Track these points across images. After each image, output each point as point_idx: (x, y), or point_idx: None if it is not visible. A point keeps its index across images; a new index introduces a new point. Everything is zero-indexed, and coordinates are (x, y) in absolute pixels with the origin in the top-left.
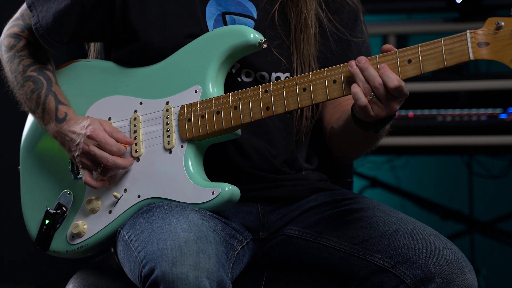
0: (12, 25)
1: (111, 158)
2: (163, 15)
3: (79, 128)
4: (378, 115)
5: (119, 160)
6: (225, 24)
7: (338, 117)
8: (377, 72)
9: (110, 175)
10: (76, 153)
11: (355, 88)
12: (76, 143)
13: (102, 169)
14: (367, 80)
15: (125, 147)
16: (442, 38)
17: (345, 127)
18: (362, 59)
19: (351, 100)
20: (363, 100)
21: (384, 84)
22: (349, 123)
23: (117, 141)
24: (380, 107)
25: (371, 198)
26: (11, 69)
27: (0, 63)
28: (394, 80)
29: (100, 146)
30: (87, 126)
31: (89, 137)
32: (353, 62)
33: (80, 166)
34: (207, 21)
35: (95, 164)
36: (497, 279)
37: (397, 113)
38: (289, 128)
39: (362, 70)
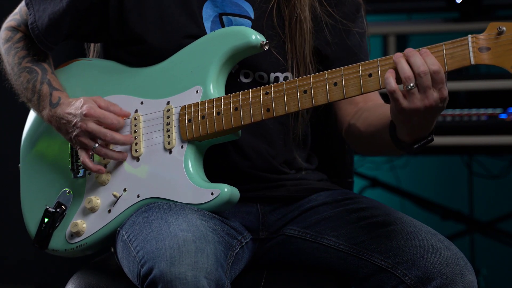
0: (11, 19)
1: (109, 133)
2: (161, 17)
3: (74, 108)
4: (413, 107)
5: (117, 135)
6: (223, 25)
7: (365, 116)
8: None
9: (109, 156)
10: (74, 134)
11: (388, 73)
12: (73, 123)
13: (98, 146)
14: (412, 66)
15: (123, 119)
16: (443, 43)
17: (377, 135)
18: (410, 49)
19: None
20: (393, 85)
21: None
22: (383, 135)
23: (114, 114)
24: (417, 98)
25: (371, 198)
26: (8, 61)
27: (0, 57)
28: (435, 63)
29: (99, 122)
30: (82, 105)
31: (86, 115)
32: (398, 53)
33: (78, 147)
34: (204, 23)
35: (93, 142)
36: (497, 279)
37: None
38: (286, 127)
39: (408, 57)
